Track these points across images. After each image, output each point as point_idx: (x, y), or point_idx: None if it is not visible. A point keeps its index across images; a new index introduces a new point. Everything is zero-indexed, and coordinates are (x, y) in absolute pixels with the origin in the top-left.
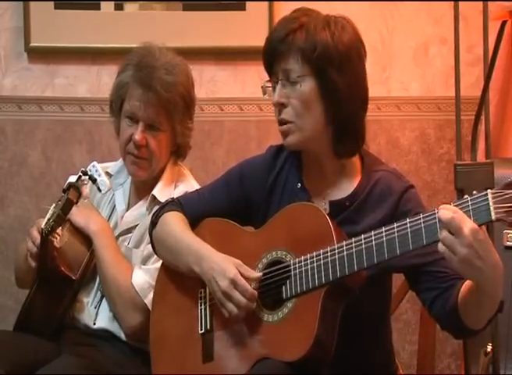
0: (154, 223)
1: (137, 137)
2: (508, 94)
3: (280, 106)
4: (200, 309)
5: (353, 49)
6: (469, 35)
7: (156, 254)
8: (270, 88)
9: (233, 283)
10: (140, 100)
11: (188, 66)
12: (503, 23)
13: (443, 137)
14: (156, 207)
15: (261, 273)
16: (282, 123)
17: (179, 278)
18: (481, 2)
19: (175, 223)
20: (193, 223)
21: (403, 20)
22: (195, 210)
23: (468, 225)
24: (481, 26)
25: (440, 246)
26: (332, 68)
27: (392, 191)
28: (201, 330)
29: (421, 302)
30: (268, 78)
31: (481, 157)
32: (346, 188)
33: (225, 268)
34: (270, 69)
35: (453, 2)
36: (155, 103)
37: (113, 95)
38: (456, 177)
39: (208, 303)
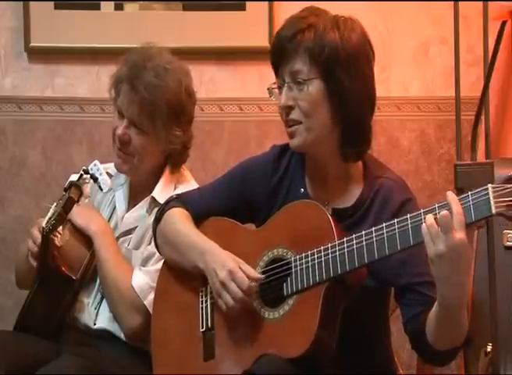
0: (157, 220)
1: (119, 131)
2: (508, 94)
3: (288, 109)
4: (202, 307)
5: (361, 51)
6: (469, 35)
7: (159, 251)
8: (276, 90)
9: (231, 274)
10: (126, 98)
11: (185, 75)
12: (503, 23)
13: (443, 137)
14: (156, 209)
15: (263, 276)
16: (290, 124)
17: (180, 276)
18: (481, 2)
19: (179, 219)
20: (196, 221)
21: (403, 20)
22: (198, 207)
23: (461, 234)
24: (481, 26)
25: (424, 228)
26: (340, 70)
27: (392, 202)
28: (202, 328)
29: (401, 316)
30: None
31: (481, 157)
32: (349, 196)
33: (225, 260)
34: (276, 68)
35: (453, 2)
36: (137, 102)
37: (111, 90)
38: (456, 177)
39: (209, 301)
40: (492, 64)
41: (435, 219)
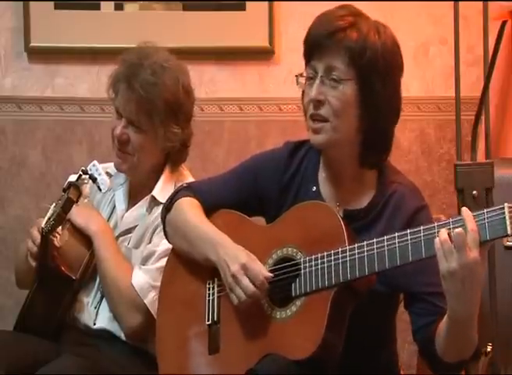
0: (167, 208)
1: (117, 131)
2: (508, 94)
3: (317, 103)
4: (208, 300)
5: (395, 59)
6: (469, 35)
7: (168, 240)
8: (303, 79)
9: (244, 268)
10: (123, 97)
11: (182, 72)
12: (503, 23)
13: (443, 137)
14: (156, 208)
15: (272, 275)
16: (316, 119)
17: (188, 268)
18: (481, 2)
19: (190, 209)
20: (206, 212)
21: (403, 20)
22: (208, 198)
23: (474, 252)
24: (481, 26)
25: (437, 243)
26: (376, 76)
27: (406, 208)
28: (208, 321)
29: (411, 324)
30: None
31: (481, 157)
32: (361, 198)
33: (239, 254)
34: (308, 59)
35: (453, 2)
36: (134, 101)
37: (109, 90)
38: (456, 177)
39: (215, 294)
40: (492, 64)
41: (448, 234)
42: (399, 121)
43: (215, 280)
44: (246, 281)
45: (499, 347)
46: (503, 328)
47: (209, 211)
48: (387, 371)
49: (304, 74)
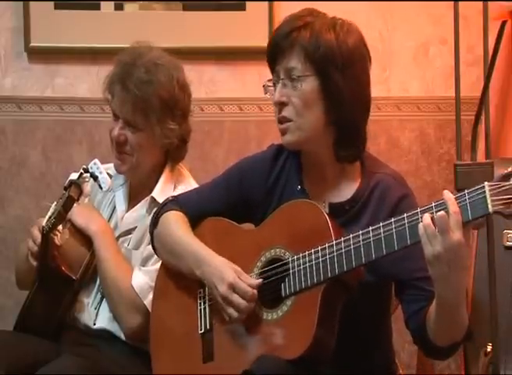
0: (154, 223)
1: (115, 133)
2: (508, 94)
3: (281, 105)
4: (200, 309)
5: (356, 53)
6: (469, 35)
7: (156, 254)
8: (271, 88)
9: (232, 287)
10: (119, 98)
11: (176, 68)
12: (503, 23)
13: (443, 137)
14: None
15: (260, 280)
16: (281, 121)
17: (178, 277)
18: (481, 2)
19: (175, 223)
20: (193, 222)
21: (403, 20)
22: (195, 209)
23: (458, 234)
24: (481, 26)
25: (421, 228)
26: (334, 69)
27: (390, 197)
28: (201, 329)
29: (402, 313)
30: (269, 77)
31: (481, 157)
32: (345, 192)
33: (224, 272)
34: (273, 66)
35: (453, 2)
36: (130, 102)
37: (105, 92)
38: (456, 177)
39: (207, 303)
40: (492, 64)
41: (431, 218)
42: (399, 121)
43: (206, 288)
44: (236, 299)
45: (499, 347)
46: (503, 328)
47: (197, 221)
48: (383, 368)
49: (270, 82)
